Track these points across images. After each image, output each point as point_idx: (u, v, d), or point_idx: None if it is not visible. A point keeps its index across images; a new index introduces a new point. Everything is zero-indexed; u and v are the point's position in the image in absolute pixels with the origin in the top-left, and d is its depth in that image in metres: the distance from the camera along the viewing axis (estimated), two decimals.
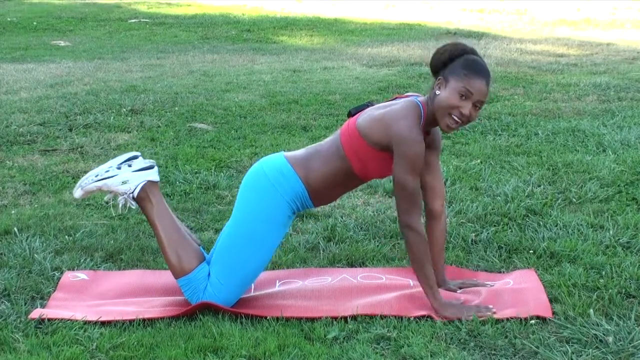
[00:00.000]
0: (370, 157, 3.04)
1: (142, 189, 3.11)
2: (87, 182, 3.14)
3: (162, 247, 3.12)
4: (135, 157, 3.16)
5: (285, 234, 3.30)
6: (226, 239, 3.10)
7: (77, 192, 3.17)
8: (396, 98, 3.15)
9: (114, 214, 3.40)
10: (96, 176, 3.13)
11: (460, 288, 3.27)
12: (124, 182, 3.11)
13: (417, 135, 2.95)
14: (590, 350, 2.70)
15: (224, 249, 3.09)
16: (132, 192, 3.11)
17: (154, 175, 3.14)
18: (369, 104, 3.17)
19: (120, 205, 3.15)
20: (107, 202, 3.25)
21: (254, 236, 3.06)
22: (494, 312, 2.92)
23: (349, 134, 3.06)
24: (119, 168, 3.13)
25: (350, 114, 3.15)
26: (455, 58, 2.99)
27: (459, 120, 2.97)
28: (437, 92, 2.99)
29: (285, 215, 3.10)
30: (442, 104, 2.96)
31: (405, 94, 3.18)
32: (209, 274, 3.08)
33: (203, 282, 3.07)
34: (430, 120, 3.04)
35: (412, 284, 3.28)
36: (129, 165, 3.13)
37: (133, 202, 3.13)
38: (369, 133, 3.01)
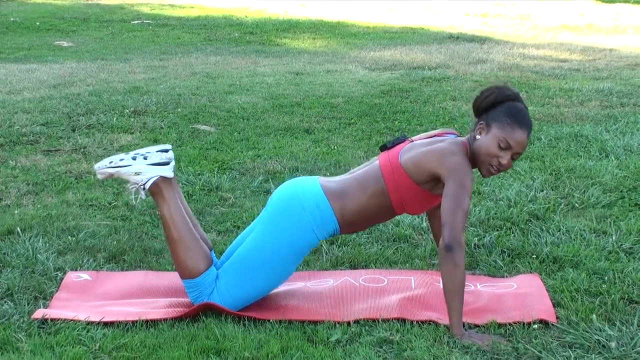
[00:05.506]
0: (413, 194, 3.05)
1: (155, 183, 3.09)
2: (101, 167, 3.13)
3: (170, 245, 3.10)
4: (166, 150, 3.13)
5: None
6: (245, 253, 3.08)
7: (97, 175, 3.16)
8: (435, 135, 3.16)
9: (134, 202, 3.38)
10: (110, 162, 3.11)
11: None
12: (137, 173, 3.09)
13: (469, 165, 2.99)
14: (593, 355, 2.70)
15: (240, 262, 3.08)
16: (144, 184, 3.09)
17: (167, 171, 3.11)
18: (404, 137, 3.18)
19: (133, 193, 3.13)
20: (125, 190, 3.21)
21: (274, 259, 3.05)
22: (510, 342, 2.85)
23: (392, 170, 3.06)
24: (134, 159, 3.10)
25: (386, 147, 3.16)
26: (499, 103, 3.00)
27: (497, 169, 3.01)
28: (478, 136, 3.02)
29: (311, 245, 3.11)
30: (482, 150, 3.00)
31: (444, 132, 3.19)
32: (217, 277, 3.08)
33: (209, 286, 3.06)
34: (470, 161, 3.04)
35: (413, 286, 3.29)
36: (145, 158, 3.11)
37: (143, 193, 3.11)
38: (418, 168, 3.01)
